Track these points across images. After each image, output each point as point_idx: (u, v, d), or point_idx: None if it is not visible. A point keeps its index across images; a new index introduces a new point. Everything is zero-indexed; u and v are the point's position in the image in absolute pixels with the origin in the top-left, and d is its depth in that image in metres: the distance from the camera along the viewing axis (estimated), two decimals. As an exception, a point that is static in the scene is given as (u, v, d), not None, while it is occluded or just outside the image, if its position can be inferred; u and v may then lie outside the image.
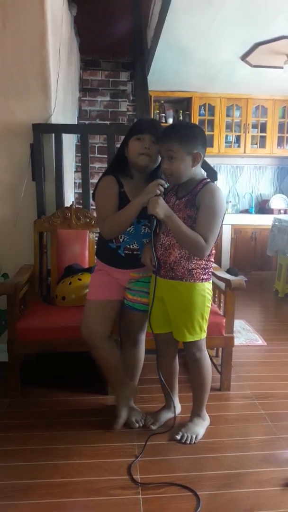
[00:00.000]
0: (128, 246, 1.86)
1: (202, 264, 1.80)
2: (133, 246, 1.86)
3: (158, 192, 1.71)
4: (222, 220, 1.77)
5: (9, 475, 1.68)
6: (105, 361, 2.00)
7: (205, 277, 1.82)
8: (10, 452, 1.83)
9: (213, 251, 1.82)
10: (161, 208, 1.69)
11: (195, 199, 1.74)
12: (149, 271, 1.93)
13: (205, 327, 1.88)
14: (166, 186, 1.77)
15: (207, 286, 1.85)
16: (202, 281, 1.81)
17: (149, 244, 1.84)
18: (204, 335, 1.89)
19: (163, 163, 1.74)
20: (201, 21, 3.41)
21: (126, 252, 1.87)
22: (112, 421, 2.01)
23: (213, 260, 1.85)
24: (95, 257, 2.00)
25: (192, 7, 3.17)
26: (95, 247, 2.10)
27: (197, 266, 1.79)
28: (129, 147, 1.83)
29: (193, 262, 1.78)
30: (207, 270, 1.83)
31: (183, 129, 1.76)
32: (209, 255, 1.80)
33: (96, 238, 2.49)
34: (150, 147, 1.79)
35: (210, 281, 1.88)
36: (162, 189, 1.74)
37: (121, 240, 1.86)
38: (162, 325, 1.91)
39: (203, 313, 1.84)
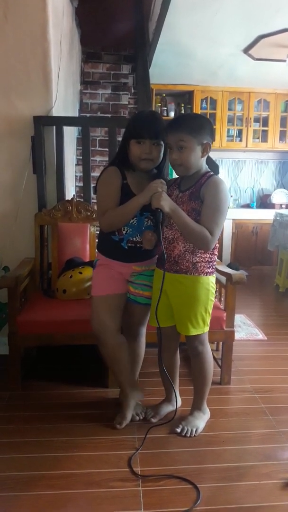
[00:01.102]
0: (131, 239, 1.85)
1: (206, 257, 1.80)
2: (136, 239, 1.86)
3: (160, 190, 1.70)
4: (226, 213, 1.76)
5: (10, 467, 1.69)
6: (115, 359, 1.96)
7: (209, 270, 1.82)
8: (11, 444, 1.84)
9: (217, 245, 1.81)
10: (166, 201, 1.69)
11: (199, 192, 1.73)
12: (151, 265, 1.93)
13: (208, 321, 1.88)
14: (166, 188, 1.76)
15: (211, 280, 1.85)
16: (206, 275, 1.81)
17: (147, 229, 1.84)
18: (207, 328, 1.89)
19: (172, 154, 1.73)
20: (203, 14, 3.38)
21: (129, 244, 1.86)
22: (113, 414, 2.02)
23: (217, 253, 1.85)
24: (96, 251, 1.99)
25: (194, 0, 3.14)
26: (97, 240, 2.09)
27: (201, 259, 1.79)
28: (130, 149, 1.80)
29: (198, 256, 1.78)
30: (211, 264, 1.83)
31: (193, 120, 1.76)
32: (213, 249, 1.80)
33: (97, 232, 2.49)
34: (151, 151, 1.77)
35: (214, 275, 1.88)
36: (165, 188, 1.73)
37: (124, 232, 1.85)
38: (166, 319, 1.90)
39: (206, 306, 1.84)
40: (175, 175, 1.87)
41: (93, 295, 1.95)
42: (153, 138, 1.76)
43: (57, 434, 1.91)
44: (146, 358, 2.14)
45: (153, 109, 5.04)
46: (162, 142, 1.79)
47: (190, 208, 1.73)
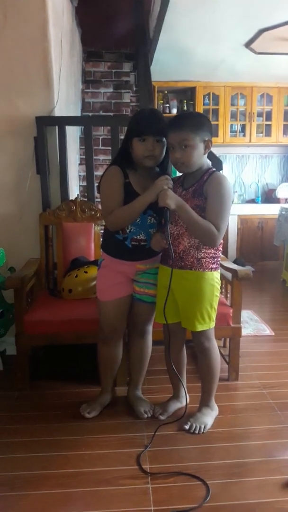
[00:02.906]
0: (135, 237, 1.85)
1: (211, 253, 1.80)
2: (140, 237, 1.85)
3: (166, 187, 1.70)
4: (230, 208, 1.77)
5: (19, 467, 1.70)
6: (115, 359, 2.06)
7: (214, 266, 1.82)
8: (20, 443, 1.85)
9: (221, 240, 1.81)
10: (172, 199, 1.69)
11: (203, 188, 1.74)
12: (155, 263, 1.93)
13: (214, 316, 1.89)
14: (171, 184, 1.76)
15: (216, 276, 1.85)
16: (211, 270, 1.82)
17: (157, 232, 1.84)
18: (213, 324, 1.89)
19: (175, 153, 1.73)
20: (203, 9, 3.36)
21: (133, 243, 1.86)
22: (121, 412, 2.06)
23: (221, 249, 1.85)
24: (101, 250, 2.00)
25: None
26: (101, 239, 2.10)
27: (206, 255, 1.79)
28: (133, 148, 1.79)
29: (202, 251, 1.78)
30: (215, 259, 1.83)
31: (193, 118, 1.77)
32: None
33: (102, 231, 2.49)
34: (154, 147, 1.77)
35: (219, 270, 1.88)
36: (171, 184, 1.73)
37: (128, 231, 1.85)
38: (172, 315, 1.90)
39: (212, 302, 1.85)
40: (177, 174, 1.88)
41: (100, 299, 1.96)
42: (156, 135, 1.76)
43: (66, 433, 1.92)
44: (153, 356, 2.14)
45: (155, 107, 5.03)
46: (164, 140, 1.79)
47: (194, 205, 1.73)
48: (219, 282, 1.89)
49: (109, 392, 2.13)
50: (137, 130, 1.77)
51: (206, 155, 1.79)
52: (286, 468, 1.69)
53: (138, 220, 1.84)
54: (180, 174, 1.88)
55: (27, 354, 2.29)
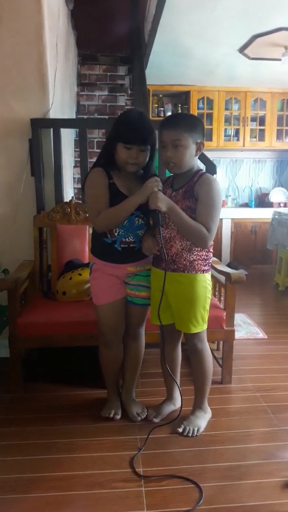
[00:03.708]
0: (124, 240, 1.85)
1: (202, 255, 1.81)
2: (128, 239, 1.85)
3: (156, 189, 1.71)
4: (220, 209, 1.78)
5: (13, 469, 1.69)
6: (116, 361, 2.05)
7: (205, 268, 1.83)
8: (13, 446, 1.84)
9: (212, 242, 1.82)
10: (163, 202, 1.69)
11: (193, 190, 1.75)
12: (146, 264, 1.93)
13: (206, 318, 1.90)
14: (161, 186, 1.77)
15: (208, 277, 1.87)
16: (203, 272, 1.83)
17: (146, 234, 1.85)
18: (205, 326, 1.90)
19: (167, 152, 1.73)
20: (198, 14, 3.39)
21: (122, 246, 1.86)
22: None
23: (212, 251, 1.86)
24: (91, 254, 1.99)
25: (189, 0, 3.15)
26: (91, 243, 2.10)
27: (198, 257, 1.80)
28: (117, 151, 1.79)
29: (194, 254, 1.79)
30: (207, 261, 1.84)
31: (188, 118, 1.79)
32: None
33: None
34: (138, 156, 1.77)
35: (210, 272, 1.89)
36: (161, 186, 1.74)
37: (116, 234, 1.84)
38: (168, 317, 1.92)
39: (205, 304, 1.86)
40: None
41: (96, 304, 1.96)
42: (141, 145, 1.76)
43: (59, 436, 1.91)
44: (147, 358, 2.14)
45: (150, 110, 5.04)
46: (148, 147, 1.80)
47: (185, 206, 1.74)
48: (211, 283, 1.90)
49: (116, 393, 2.13)
50: (123, 137, 1.76)
51: (197, 157, 1.80)
52: (280, 471, 1.69)
53: (125, 222, 1.83)
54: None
55: (21, 356, 2.28)
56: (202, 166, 1.89)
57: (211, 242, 1.77)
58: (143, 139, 1.76)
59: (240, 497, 1.56)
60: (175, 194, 1.79)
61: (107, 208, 1.80)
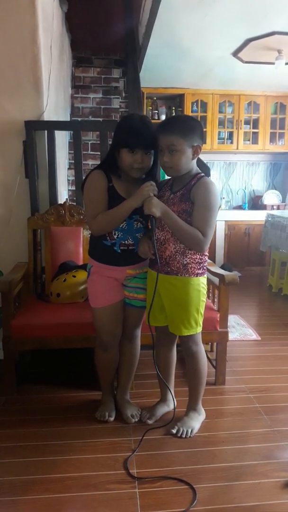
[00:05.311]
0: (123, 242, 1.85)
1: (197, 258, 1.81)
2: (128, 242, 1.86)
3: (151, 194, 1.71)
4: (217, 214, 1.78)
5: (7, 472, 1.69)
6: (112, 364, 2.06)
7: (200, 271, 1.83)
8: (7, 449, 1.84)
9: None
10: (157, 207, 1.69)
11: (190, 193, 1.75)
12: (144, 267, 1.94)
13: (200, 321, 1.90)
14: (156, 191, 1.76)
15: (202, 281, 1.86)
16: (197, 276, 1.82)
17: (143, 237, 1.85)
18: (199, 329, 1.91)
19: (163, 156, 1.73)
20: (192, 17, 3.41)
21: (122, 248, 1.86)
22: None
23: (207, 254, 1.86)
24: (89, 256, 1.98)
25: (183, 3, 3.16)
26: (89, 245, 2.10)
27: (192, 260, 1.80)
28: (121, 157, 1.78)
29: (188, 257, 1.79)
30: (202, 265, 1.84)
31: (183, 122, 1.76)
32: None
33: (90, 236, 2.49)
34: (143, 160, 1.77)
35: (205, 275, 1.89)
36: (156, 191, 1.74)
37: (115, 237, 1.85)
38: (163, 318, 1.93)
39: (198, 307, 1.86)
40: (166, 177, 1.89)
41: (94, 307, 1.95)
42: (146, 148, 1.76)
43: (53, 438, 1.91)
44: (142, 360, 2.14)
45: (144, 113, 5.06)
46: (153, 151, 1.80)
47: (181, 209, 1.75)
48: (206, 287, 1.90)
49: (111, 395, 2.13)
50: (127, 142, 1.75)
51: (195, 160, 1.80)
52: (273, 471, 1.70)
53: (124, 226, 1.83)
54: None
55: (15, 358, 2.28)
56: (197, 167, 1.88)
57: (207, 246, 1.77)
58: (148, 143, 1.75)
59: (234, 498, 1.56)
60: (173, 197, 1.80)
61: (105, 211, 1.80)
